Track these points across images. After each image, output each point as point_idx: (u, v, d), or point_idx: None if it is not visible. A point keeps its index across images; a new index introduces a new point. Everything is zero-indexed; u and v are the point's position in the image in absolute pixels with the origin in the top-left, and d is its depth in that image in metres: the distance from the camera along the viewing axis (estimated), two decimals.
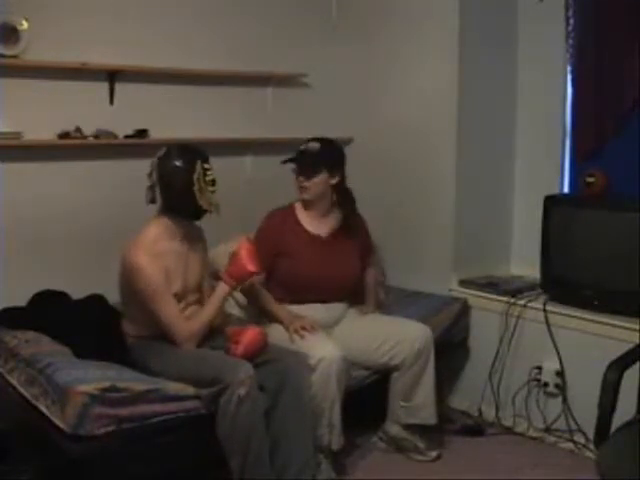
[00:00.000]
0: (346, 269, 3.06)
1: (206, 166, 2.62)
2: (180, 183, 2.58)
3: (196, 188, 2.58)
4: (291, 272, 2.97)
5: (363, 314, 3.11)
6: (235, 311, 3.21)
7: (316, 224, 3.05)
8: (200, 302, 2.77)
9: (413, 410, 2.97)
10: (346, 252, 3.07)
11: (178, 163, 2.59)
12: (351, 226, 3.09)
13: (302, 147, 3.02)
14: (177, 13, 3.39)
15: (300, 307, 2.97)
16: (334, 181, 3.00)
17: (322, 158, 2.98)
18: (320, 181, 2.98)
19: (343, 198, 3.06)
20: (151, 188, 2.64)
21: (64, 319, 2.85)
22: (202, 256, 2.79)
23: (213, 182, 2.63)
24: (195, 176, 2.58)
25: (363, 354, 2.95)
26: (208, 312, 2.65)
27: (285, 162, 3.00)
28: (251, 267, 2.65)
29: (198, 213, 2.66)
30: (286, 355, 2.66)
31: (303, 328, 2.84)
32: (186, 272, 2.67)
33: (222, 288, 2.67)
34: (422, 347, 2.93)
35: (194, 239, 2.74)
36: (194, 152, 2.64)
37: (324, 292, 3.00)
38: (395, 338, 2.94)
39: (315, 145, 3.00)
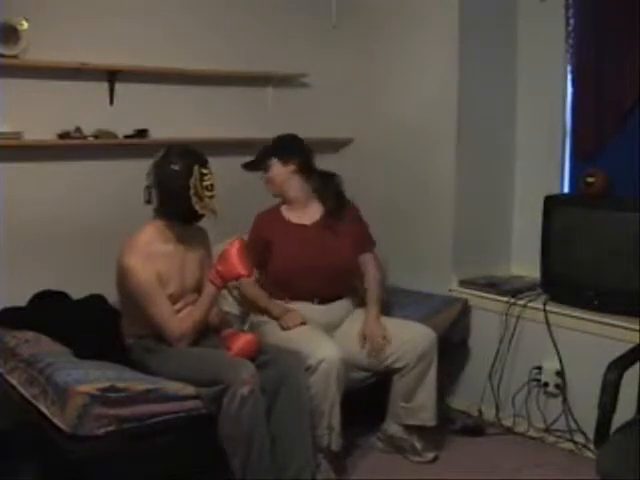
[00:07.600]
0: (335, 256, 2.99)
1: (204, 171, 2.59)
2: (176, 187, 2.56)
3: (192, 192, 2.56)
4: (279, 262, 2.97)
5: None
6: (234, 310, 3.22)
7: (300, 215, 3.06)
8: None
9: (413, 411, 2.96)
10: (334, 239, 3.01)
11: (175, 167, 2.57)
12: (336, 213, 3.05)
13: None
14: (177, 13, 3.39)
15: (299, 306, 2.97)
16: (291, 168, 3.00)
17: (268, 150, 3.04)
18: (275, 172, 3.01)
19: (319, 185, 3.07)
20: (148, 189, 2.64)
21: (64, 319, 2.85)
22: (202, 257, 2.76)
23: (211, 187, 2.60)
24: (192, 181, 2.55)
25: (366, 356, 2.93)
26: (198, 312, 2.63)
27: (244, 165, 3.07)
28: (241, 270, 2.59)
29: (193, 217, 2.63)
30: (285, 355, 2.66)
31: (290, 327, 2.87)
32: (182, 274, 2.66)
33: (210, 288, 2.64)
34: (426, 349, 2.91)
35: (192, 241, 2.72)
36: (192, 156, 2.61)
37: (316, 282, 2.95)
38: (399, 340, 2.92)
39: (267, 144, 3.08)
